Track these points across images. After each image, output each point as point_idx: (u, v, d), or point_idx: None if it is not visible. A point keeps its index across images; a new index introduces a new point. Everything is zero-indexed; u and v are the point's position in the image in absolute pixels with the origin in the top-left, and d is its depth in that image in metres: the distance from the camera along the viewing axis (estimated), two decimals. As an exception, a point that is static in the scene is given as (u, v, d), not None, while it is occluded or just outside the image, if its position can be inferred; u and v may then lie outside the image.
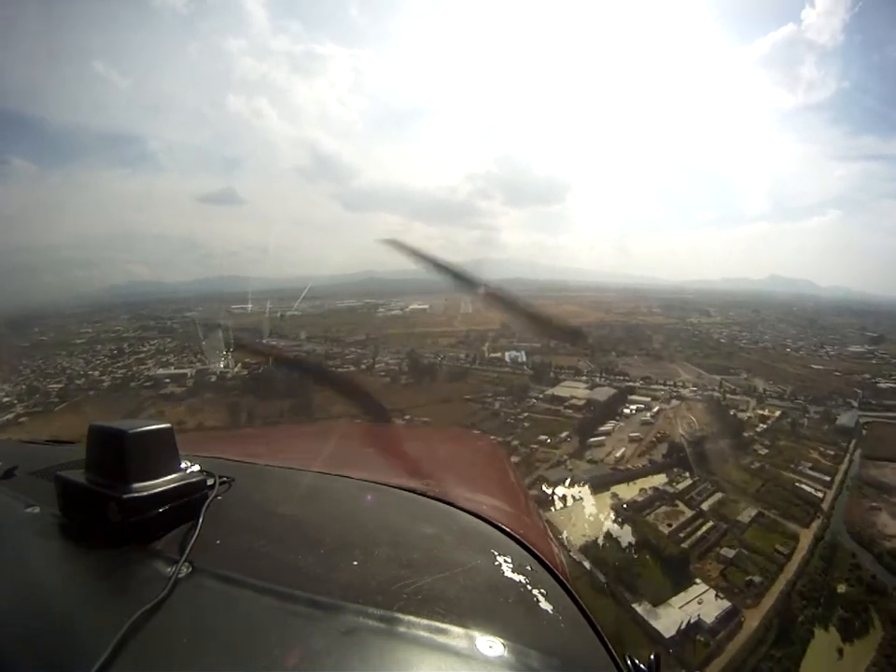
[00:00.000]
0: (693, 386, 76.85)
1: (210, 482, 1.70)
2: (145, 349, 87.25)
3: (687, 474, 53.49)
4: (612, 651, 1.30)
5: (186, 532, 1.45)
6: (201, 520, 1.49)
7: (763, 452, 59.80)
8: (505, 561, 1.49)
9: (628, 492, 49.37)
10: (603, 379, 76.80)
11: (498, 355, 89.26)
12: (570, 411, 63.91)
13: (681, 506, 48.79)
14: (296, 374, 71.62)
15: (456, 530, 1.68)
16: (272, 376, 75.68)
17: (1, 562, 1.40)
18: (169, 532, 1.45)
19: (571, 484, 48.65)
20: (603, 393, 68.33)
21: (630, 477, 51.59)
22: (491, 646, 1.09)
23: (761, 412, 70.36)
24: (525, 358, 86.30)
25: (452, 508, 1.82)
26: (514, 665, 1.07)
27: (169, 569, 1.28)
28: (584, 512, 45.95)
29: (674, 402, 70.21)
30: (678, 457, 55.47)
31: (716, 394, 74.91)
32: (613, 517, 45.66)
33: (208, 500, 1.61)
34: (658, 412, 65.93)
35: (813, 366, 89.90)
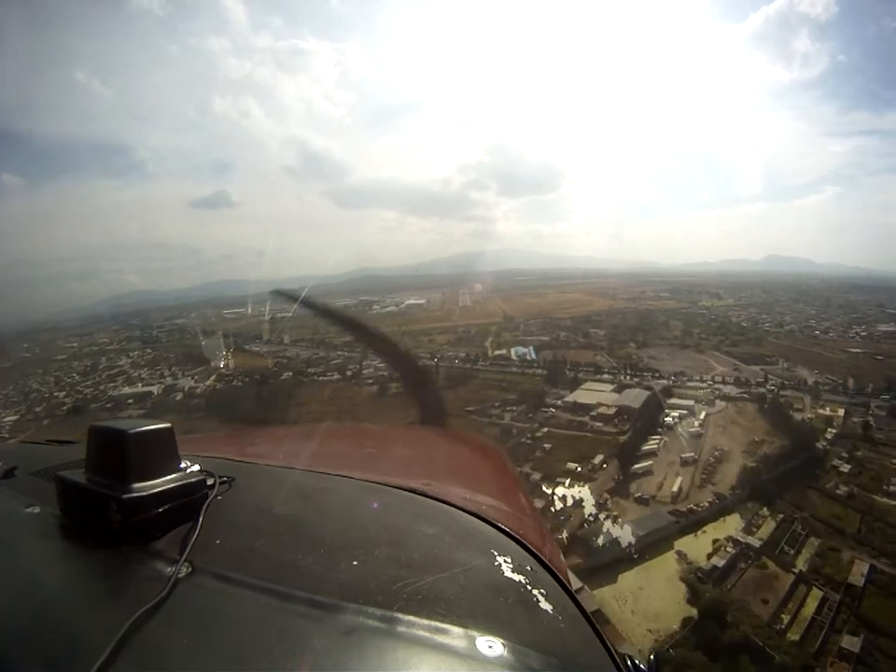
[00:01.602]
0: (734, 382, 60.73)
1: (210, 482, 1.61)
2: (121, 363, 77.71)
3: (766, 510, 37.36)
4: (612, 650, 1.25)
5: (186, 532, 1.38)
6: (201, 520, 1.42)
7: (845, 469, 43.89)
8: (505, 561, 1.41)
9: (698, 548, 33.31)
10: (629, 377, 60.11)
11: (503, 352, 72.89)
12: (600, 423, 47.45)
13: (771, 565, 32.92)
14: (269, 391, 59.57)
15: (456, 530, 1.57)
16: (243, 393, 62.73)
17: (1, 562, 1.35)
18: (169, 532, 1.39)
19: (621, 544, 32.05)
20: (635, 397, 51.75)
21: (696, 523, 35.58)
22: (491, 646, 1.05)
23: (821, 411, 54.48)
24: (534, 355, 69.90)
25: (452, 508, 1.70)
26: (514, 665, 1.03)
27: (169, 569, 1.23)
28: (646, 590, 29.52)
29: (719, 404, 54.02)
30: (749, 487, 39.23)
31: (763, 390, 58.70)
32: (687, 594, 29.39)
33: (208, 500, 1.52)
34: (706, 419, 49.48)
35: (850, 349, 75.15)
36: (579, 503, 36.64)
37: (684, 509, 36.51)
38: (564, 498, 37.11)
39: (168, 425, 1.51)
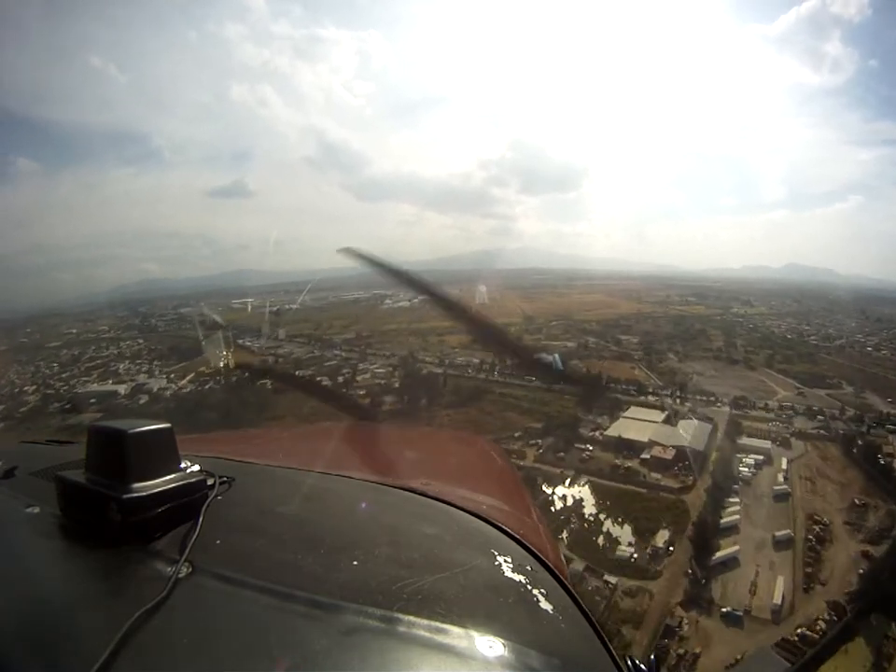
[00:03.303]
0: (804, 411, 46.94)
1: (210, 482, 1.56)
2: (106, 353, 69.71)
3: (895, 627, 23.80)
4: (612, 650, 1.22)
5: (186, 532, 1.34)
6: (201, 520, 1.38)
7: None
8: (505, 561, 1.38)
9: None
10: (679, 401, 46.06)
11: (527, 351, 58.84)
12: (657, 474, 33.83)
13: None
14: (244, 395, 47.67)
15: (456, 530, 1.54)
16: (210, 400, 50.83)
17: (1, 562, 1.32)
18: (169, 532, 1.35)
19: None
20: (696, 433, 38.24)
21: (812, 664, 21.78)
22: (491, 646, 1.02)
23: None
24: (561, 365, 55.76)
25: (452, 508, 1.66)
26: (514, 664, 1.00)
27: (169, 569, 1.19)
28: None
29: (797, 445, 40.32)
30: (867, 588, 25.79)
31: (840, 423, 44.91)
32: None
33: (208, 500, 1.47)
34: (789, 468, 35.67)
35: (913, 372, 62.96)
36: (641, 622, 23.01)
37: (793, 636, 23.02)
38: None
39: (168, 425, 1.45)
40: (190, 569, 1.17)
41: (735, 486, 33.16)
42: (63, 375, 61.51)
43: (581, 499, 31.67)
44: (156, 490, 1.31)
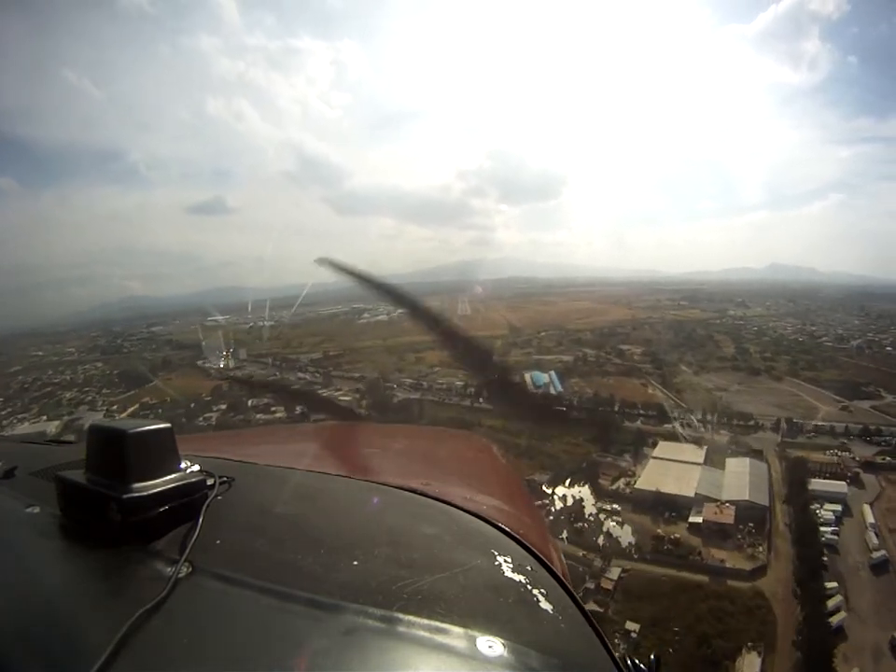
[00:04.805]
0: (859, 432, 37.62)
1: (210, 482, 1.52)
2: (57, 380, 63.34)
3: None
4: (612, 651, 1.19)
5: (186, 532, 1.30)
6: (201, 520, 1.34)
7: None
8: (505, 561, 1.33)
9: None
10: (714, 429, 36.10)
11: (515, 379, 48.53)
12: (717, 550, 23.87)
13: None
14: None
15: (456, 530, 1.48)
16: None
17: (1, 562, 1.29)
18: (169, 532, 1.31)
19: None
20: (750, 477, 28.36)
21: None
22: (491, 646, 1.00)
23: None
24: (559, 384, 45.71)
25: (452, 508, 1.59)
26: (514, 664, 0.97)
27: (169, 569, 1.16)
28: None
29: (869, 482, 31.03)
30: None
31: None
32: None
33: (208, 500, 1.44)
34: (876, 519, 26.12)
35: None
36: None
37: None
38: None
39: (168, 425, 1.42)
40: (190, 569, 1.14)
41: (824, 559, 23.42)
42: (4, 412, 54.83)
43: (617, 601, 21.51)
44: (156, 490, 1.28)
